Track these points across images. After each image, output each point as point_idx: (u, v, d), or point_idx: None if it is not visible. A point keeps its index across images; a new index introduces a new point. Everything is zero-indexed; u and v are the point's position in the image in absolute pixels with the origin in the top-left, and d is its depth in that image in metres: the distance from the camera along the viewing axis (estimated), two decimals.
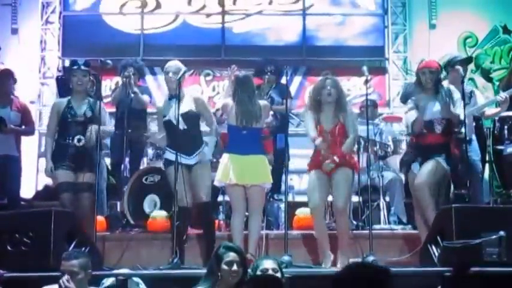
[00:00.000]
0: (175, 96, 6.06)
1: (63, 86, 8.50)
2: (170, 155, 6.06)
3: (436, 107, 6.11)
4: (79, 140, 6.14)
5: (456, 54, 7.66)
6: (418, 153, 6.16)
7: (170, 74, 6.17)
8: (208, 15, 10.62)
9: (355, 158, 6.31)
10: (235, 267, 4.46)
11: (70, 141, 6.16)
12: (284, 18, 10.68)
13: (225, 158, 6.11)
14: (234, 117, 6.09)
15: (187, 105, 6.10)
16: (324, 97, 6.04)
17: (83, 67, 6.28)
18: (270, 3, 10.69)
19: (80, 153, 6.14)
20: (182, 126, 6.03)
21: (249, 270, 4.59)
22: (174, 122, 6.03)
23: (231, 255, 4.49)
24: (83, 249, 5.24)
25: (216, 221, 6.99)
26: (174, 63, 6.29)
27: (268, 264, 4.55)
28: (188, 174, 6.07)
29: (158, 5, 10.67)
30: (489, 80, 8.38)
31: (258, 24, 10.66)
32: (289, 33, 10.65)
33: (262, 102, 6.24)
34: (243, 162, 6.01)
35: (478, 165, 7.06)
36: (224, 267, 4.46)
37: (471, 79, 7.70)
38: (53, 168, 6.13)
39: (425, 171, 5.99)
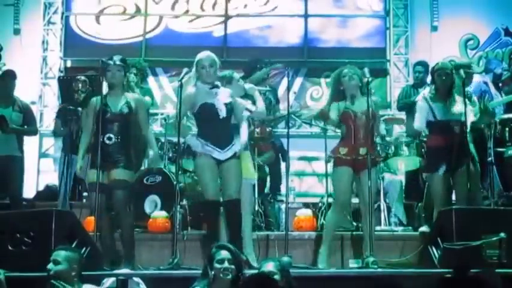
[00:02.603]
0: (216, 86, 5.86)
1: (65, 86, 8.55)
2: (201, 148, 5.77)
3: None
4: (109, 139, 5.91)
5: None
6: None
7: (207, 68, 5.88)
8: (191, 20, 10.64)
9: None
10: (226, 264, 4.52)
11: (102, 139, 5.89)
12: (286, 20, 10.70)
13: None
14: None
15: (227, 98, 5.88)
16: (346, 83, 6.01)
17: (118, 62, 6.15)
18: (245, 6, 10.69)
19: (111, 152, 5.87)
20: (222, 115, 5.81)
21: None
22: (217, 110, 5.79)
23: (222, 253, 4.55)
24: (84, 249, 5.25)
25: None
26: (206, 55, 5.94)
27: (267, 267, 4.60)
28: (218, 169, 5.82)
29: (138, 10, 10.67)
30: (498, 87, 8.42)
31: (259, 25, 10.68)
32: (291, 35, 10.66)
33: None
34: None
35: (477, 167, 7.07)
36: (216, 265, 4.52)
37: (485, 83, 7.77)
38: (82, 167, 5.93)
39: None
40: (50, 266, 4.70)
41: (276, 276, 4.47)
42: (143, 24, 10.62)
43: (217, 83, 5.91)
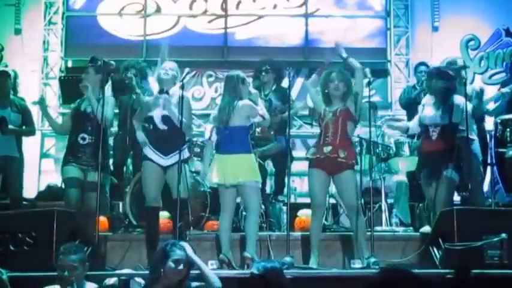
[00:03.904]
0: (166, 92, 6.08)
1: (66, 86, 8.55)
2: (149, 152, 6.08)
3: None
4: (83, 139, 6.19)
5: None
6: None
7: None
8: (210, 21, 10.65)
9: (354, 155, 6.30)
10: (181, 266, 4.47)
11: (75, 139, 6.26)
12: (288, 20, 10.70)
13: (214, 159, 6.14)
14: (217, 117, 6.11)
15: (169, 109, 6.06)
16: (331, 91, 6.06)
17: (90, 64, 6.34)
18: (274, 7, 10.71)
19: (85, 151, 6.22)
20: (162, 127, 6.05)
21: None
22: (157, 121, 6.05)
23: (179, 254, 4.49)
24: (85, 248, 5.25)
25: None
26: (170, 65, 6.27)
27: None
28: (163, 175, 6.07)
29: (158, 9, 10.68)
30: None
31: (262, 26, 10.68)
32: (292, 35, 10.66)
33: (243, 102, 6.03)
34: (227, 161, 5.95)
35: (479, 168, 7.07)
36: (170, 264, 4.45)
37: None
38: None
39: (442, 192, 6.06)
40: (67, 273, 4.53)
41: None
42: (160, 23, 10.59)
43: (168, 89, 6.06)
